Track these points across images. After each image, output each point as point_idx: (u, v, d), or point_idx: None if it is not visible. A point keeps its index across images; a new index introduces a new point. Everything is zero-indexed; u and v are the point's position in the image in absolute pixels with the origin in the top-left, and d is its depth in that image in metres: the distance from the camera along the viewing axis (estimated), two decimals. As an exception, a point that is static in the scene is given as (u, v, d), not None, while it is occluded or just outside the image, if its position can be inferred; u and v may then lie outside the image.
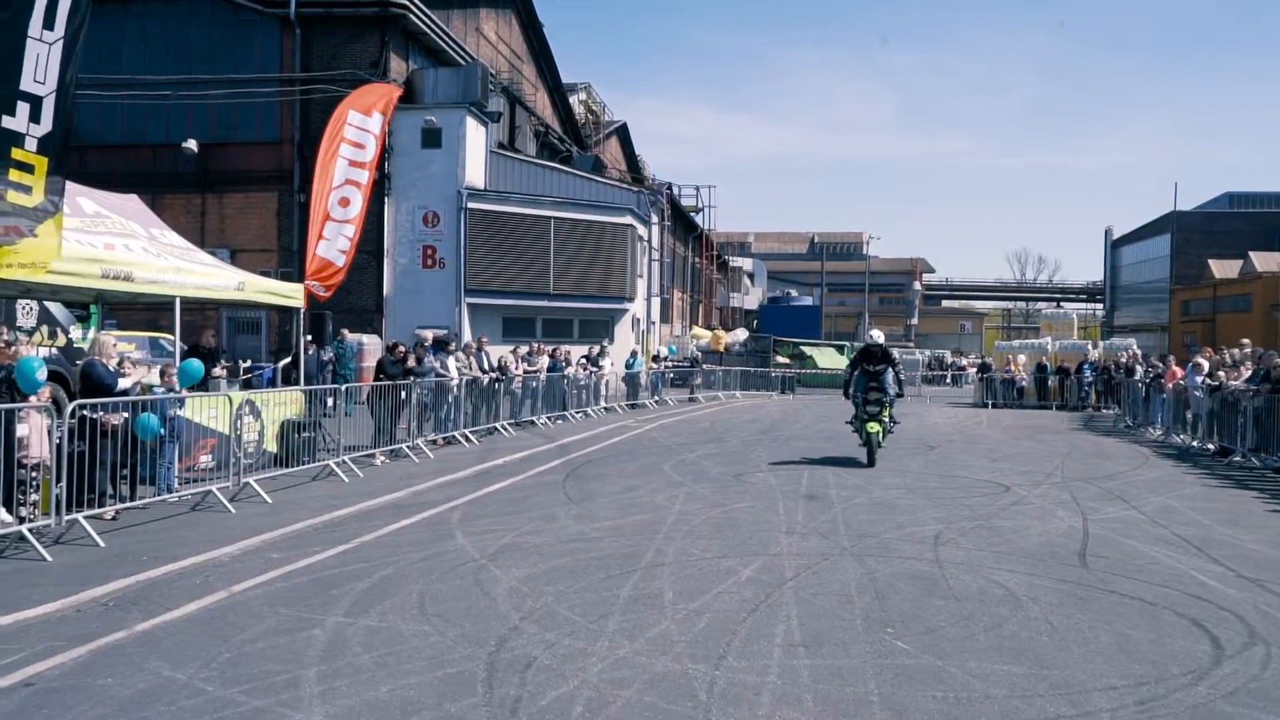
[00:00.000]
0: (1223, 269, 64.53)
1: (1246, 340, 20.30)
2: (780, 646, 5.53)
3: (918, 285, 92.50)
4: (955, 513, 10.34)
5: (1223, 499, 11.92)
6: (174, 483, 10.11)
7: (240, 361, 21.71)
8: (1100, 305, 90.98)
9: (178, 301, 11.05)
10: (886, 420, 14.38)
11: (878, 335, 15.35)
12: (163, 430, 9.71)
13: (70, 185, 12.46)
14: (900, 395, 15.15)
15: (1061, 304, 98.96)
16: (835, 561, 7.82)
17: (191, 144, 28.72)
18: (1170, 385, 20.67)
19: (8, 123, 8.72)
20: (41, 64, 8.63)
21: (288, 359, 19.03)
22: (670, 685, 4.90)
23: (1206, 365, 18.62)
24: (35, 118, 8.96)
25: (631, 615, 6.17)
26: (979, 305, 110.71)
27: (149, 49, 30.10)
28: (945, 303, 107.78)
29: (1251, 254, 62.16)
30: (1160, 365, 23.50)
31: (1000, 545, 8.63)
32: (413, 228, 30.13)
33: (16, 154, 8.90)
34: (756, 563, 7.73)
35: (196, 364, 10.85)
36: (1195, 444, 18.27)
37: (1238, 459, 15.85)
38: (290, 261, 27.61)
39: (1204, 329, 60.35)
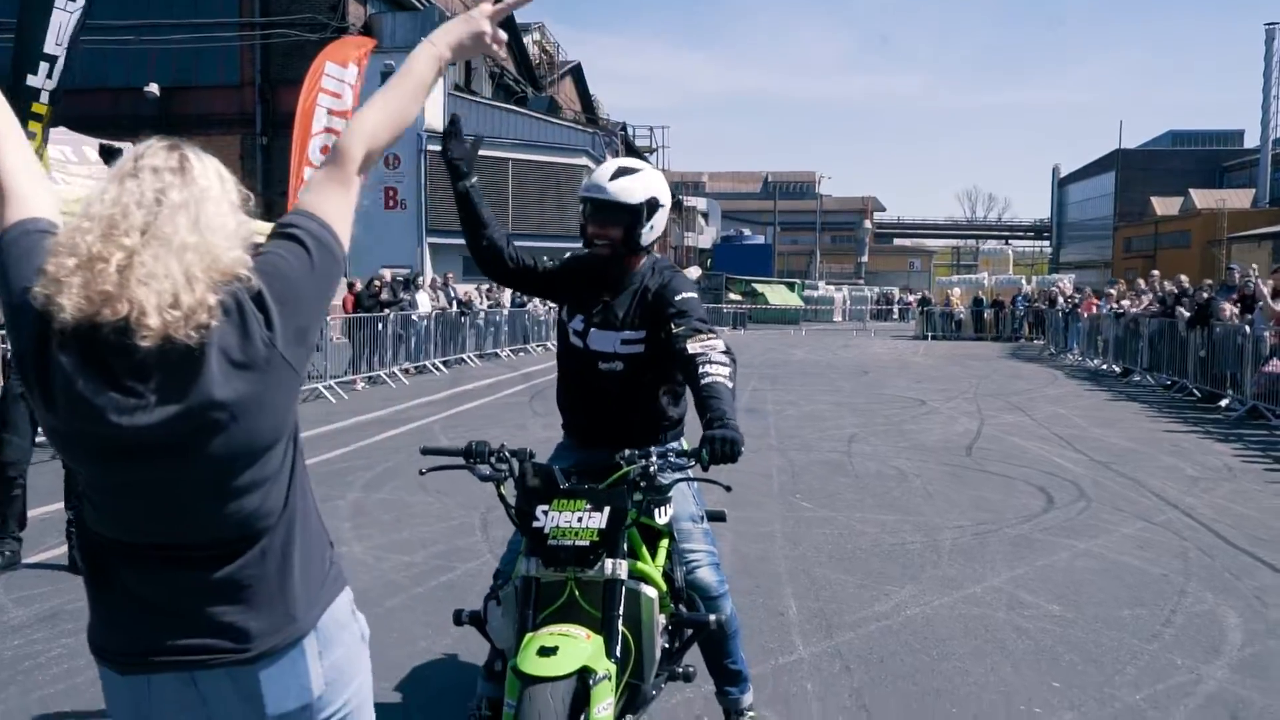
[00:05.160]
0: (1164, 206, 66.16)
1: (1156, 272, 22.04)
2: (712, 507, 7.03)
3: (868, 224, 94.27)
4: (872, 420, 11.93)
5: (1109, 409, 13.63)
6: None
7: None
8: (1047, 242, 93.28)
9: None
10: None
11: None
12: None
13: (77, 136, 13.51)
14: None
15: (1009, 241, 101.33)
16: (762, 454, 9.35)
17: (153, 88, 29.24)
18: (1085, 315, 22.48)
19: (30, 80, 9.84)
20: (62, 29, 9.73)
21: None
22: (623, 530, 6.40)
23: (1116, 294, 20.42)
24: (49, 75, 10.08)
25: (593, 490, 7.65)
26: (930, 243, 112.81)
27: (109, -7, 30.39)
28: (897, 241, 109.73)
29: (1192, 191, 63.90)
30: (1077, 296, 25.33)
31: (903, 442, 10.22)
32: (375, 170, 30.99)
33: (35, 107, 10.04)
34: (697, 456, 9.24)
35: None
36: (1104, 366, 20.09)
37: (1136, 378, 17.65)
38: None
39: (1145, 265, 62.28)
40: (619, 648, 2.71)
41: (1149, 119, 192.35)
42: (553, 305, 4.26)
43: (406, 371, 17.12)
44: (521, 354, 22.91)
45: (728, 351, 2.98)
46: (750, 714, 3.44)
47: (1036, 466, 8.81)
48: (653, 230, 3.21)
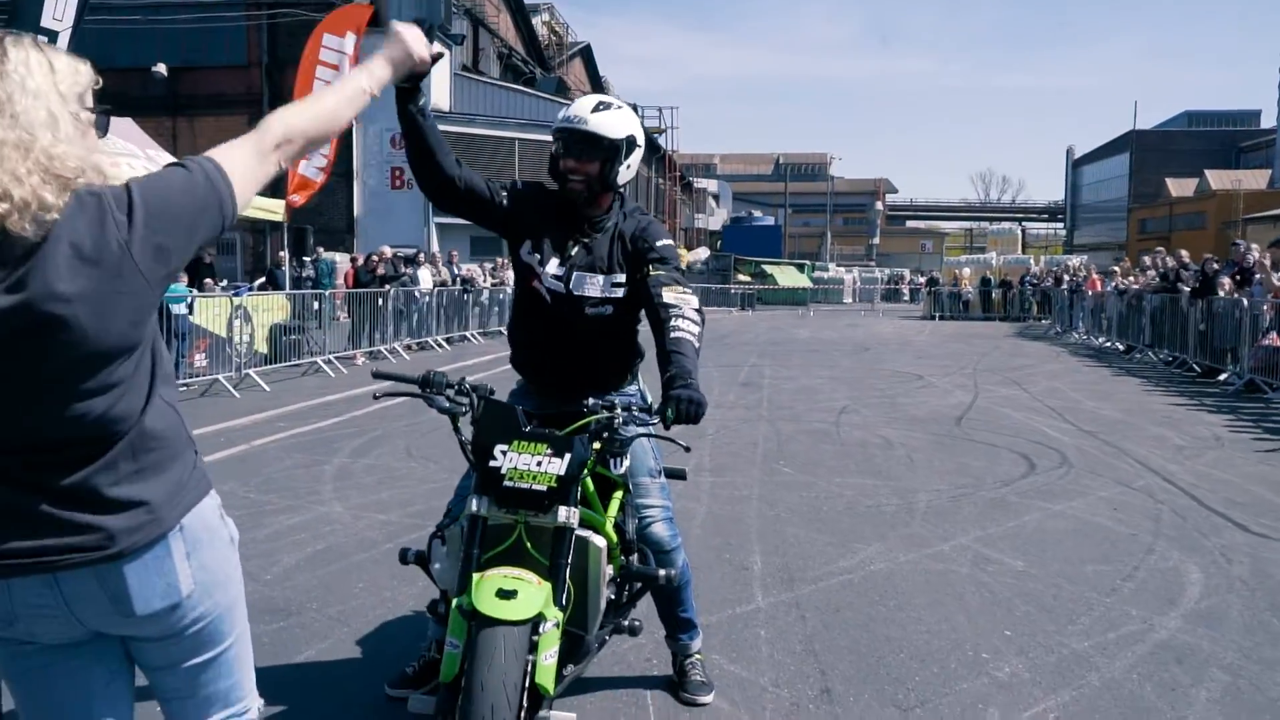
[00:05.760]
0: (1179, 187, 65.41)
1: (1161, 248, 21.93)
2: (692, 471, 7.08)
3: (880, 206, 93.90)
4: (866, 393, 11.95)
5: (1107, 383, 13.60)
6: (180, 374, 11.51)
7: (216, 281, 22.88)
8: (1061, 224, 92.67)
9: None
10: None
11: None
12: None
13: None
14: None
15: (1023, 223, 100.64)
16: (751, 424, 9.40)
17: (161, 68, 29.28)
18: (1090, 293, 22.39)
19: (27, 53, 9.93)
20: (61, 4, 9.77)
21: (263, 278, 20.27)
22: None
23: (1120, 271, 20.34)
24: (50, 49, 10.15)
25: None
26: (943, 225, 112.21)
27: (116, -27, 30.43)
28: (909, 223, 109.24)
29: (1207, 172, 63.16)
30: (1082, 273, 25.23)
31: (894, 414, 10.23)
32: (381, 150, 31.00)
33: (33, 81, 10.14)
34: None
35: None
36: (1108, 344, 20.03)
37: (1138, 355, 17.60)
38: (262, 183, 28.53)
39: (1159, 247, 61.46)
40: (564, 596, 2.67)
41: (1164, 100, 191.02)
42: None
43: (409, 348, 17.20)
44: (525, 332, 22.94)
45: (699, 310, 2.98)
46: (698, 656, 3.49)
47: (1023, 436, 8.82)
48: (629, 170, 3.17)
